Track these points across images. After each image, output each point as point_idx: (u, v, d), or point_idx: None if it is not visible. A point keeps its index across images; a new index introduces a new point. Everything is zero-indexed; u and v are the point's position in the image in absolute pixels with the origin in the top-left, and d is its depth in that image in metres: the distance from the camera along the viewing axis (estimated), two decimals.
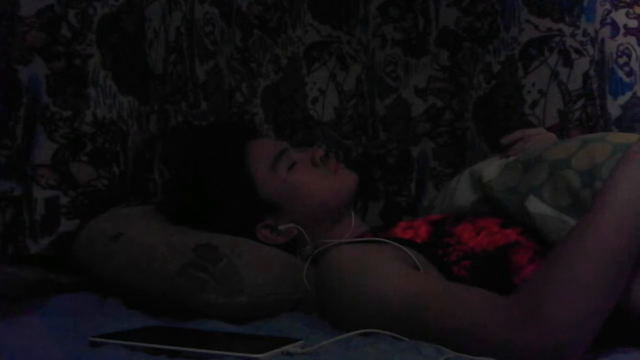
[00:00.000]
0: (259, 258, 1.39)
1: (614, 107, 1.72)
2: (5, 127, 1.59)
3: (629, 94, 1.73)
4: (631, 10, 1.72)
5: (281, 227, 1.45)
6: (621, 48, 1.72)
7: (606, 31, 1.71)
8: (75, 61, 1.62)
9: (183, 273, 1.33)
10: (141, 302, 1.37)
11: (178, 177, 1.54)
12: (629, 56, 1.72)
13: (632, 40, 1.72)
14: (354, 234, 1.44)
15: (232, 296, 1.31)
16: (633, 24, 1.72)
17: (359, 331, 1.13)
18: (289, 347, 1.06)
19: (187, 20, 1.76)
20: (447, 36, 1.77)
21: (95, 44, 1.64)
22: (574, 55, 1.67)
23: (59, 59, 1.61)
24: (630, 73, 1.72)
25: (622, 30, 1.72)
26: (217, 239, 1.39)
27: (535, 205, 1.24)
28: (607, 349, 1.09)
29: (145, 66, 1.74)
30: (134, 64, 1.71)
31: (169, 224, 1.48)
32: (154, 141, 1.76)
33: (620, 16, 1.72)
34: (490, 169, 1.38)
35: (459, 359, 1.04)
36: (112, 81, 1.67)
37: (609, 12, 1.70)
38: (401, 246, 1.25)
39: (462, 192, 1.44)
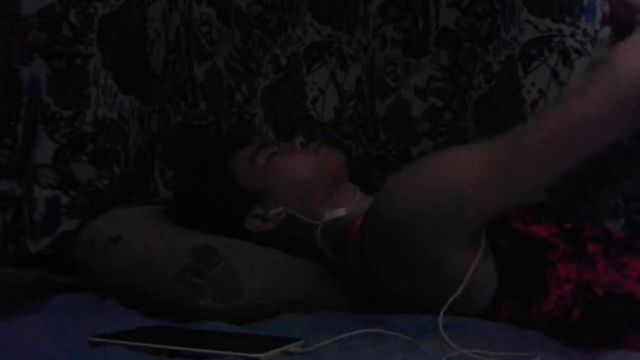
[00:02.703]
0: (258, 260, 1.39)
1: None
2: (6, 127, 1.59)
3: None
4: None
5: (271, 213, 1.45)
6: None
7: (606, 31, 1.70)
8: (76, 61, 1.62)
9: (180, 277, 1.33)
10: (139, 305, 1.37)
11: (174, 180, 1.60)
12: None
13: None
14: (362, 202, 1.44)
15: (229, 300, 1.31)
16: None
17: (359, 331, 1.13)
18: (289, 347, 1.07)
19: (186, 20, 1.76)
20: (447, 36, 1.77)
21: (96, 44, 1.64)
22: (574, 55, 1.67)
23: (60, 59, 1.61)
24: None
25: None
26: (216, 241, 1.39)
27: None
28: (607, 348, 1.09)
29: (146, 66, 1.74)
30: (135, 63, 1.71)
31: (168, 225, 1.48)
32: (155, 141, 1.76)
33: None
34: None
35: (461, 358, 1.04)
36: (113, 81, 1.67)
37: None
38: None
39: None
